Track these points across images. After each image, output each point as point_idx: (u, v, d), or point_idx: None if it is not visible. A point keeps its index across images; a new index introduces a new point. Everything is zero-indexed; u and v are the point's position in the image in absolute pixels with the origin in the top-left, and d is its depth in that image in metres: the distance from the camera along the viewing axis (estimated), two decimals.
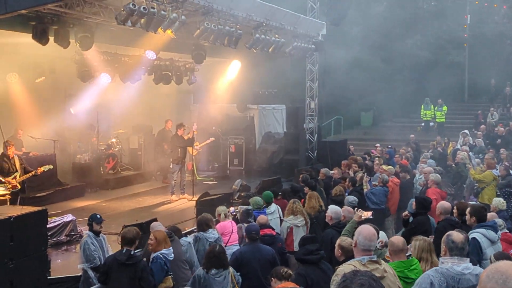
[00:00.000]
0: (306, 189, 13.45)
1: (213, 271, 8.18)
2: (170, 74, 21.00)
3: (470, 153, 20.48)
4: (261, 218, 10.51)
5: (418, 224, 9.82)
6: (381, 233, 8.37)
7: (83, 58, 17.64)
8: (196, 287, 8.19)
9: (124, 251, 8.26)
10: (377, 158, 18.61)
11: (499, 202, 11.59)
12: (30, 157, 16.39)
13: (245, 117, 24.34)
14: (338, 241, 7.29)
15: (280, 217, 12.29)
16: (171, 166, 18.22)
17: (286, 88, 26.13)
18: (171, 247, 8.75)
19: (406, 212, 10.61)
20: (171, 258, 8.68)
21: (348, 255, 6.70)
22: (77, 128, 19.80)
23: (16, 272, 8.27)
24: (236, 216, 11.32)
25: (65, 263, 11.59)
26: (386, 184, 14.49)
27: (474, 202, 13.26)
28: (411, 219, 10.33)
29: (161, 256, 8.59)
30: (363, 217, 8.92)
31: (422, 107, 31.13)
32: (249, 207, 11.41)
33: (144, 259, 8.65)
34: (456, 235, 5.63)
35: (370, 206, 13.25)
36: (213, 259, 8.22)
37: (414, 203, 10.52)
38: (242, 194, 15.84)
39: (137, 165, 21.99)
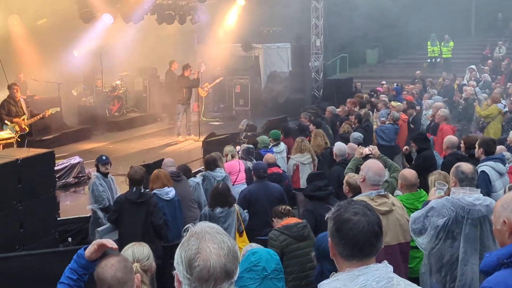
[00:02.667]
0: (311, 126, 13.42)
1: (218, 209, 8.22)
2: (173, 13, 20.63)
3: (477, 88, 20.36)
4: (270, 157, 10.53)
5: (425, 159, 9.80)
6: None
7: None
8: None
9: (134, 190, 8.30)
10: (382, 95, 18.54)
11: None
12: (35, 100, 16.34)
13: (250, 56, 24.06)
14: (346, 178, 7.30)
15: (288, 156, 12.30)
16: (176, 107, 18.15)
17: (291, 26, 25.67)
18: (166, 187, 8.74)
19: (406, 147, 10.54)
20: (167, 198, 8.69)
21: (356, 191, 6.72)
22: (81, 71, 19.62)
23: (26, 214, 8.30)
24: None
25: (74, 205, 11.69)
26: (397, 121, 14.38)
27: None
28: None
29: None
30: (363, 154, 8.88)
31: (429, 43, 30.78)
32: (250, 145, 11.41)
33: None
34: (466, 166, 5.62)
35: (379, 142, 13.21)
36: (217, 196, 8.27)
37: (413, 144, 10.43)
38: (249, 133, 15.83)
39: (143, 107, 21.96)
